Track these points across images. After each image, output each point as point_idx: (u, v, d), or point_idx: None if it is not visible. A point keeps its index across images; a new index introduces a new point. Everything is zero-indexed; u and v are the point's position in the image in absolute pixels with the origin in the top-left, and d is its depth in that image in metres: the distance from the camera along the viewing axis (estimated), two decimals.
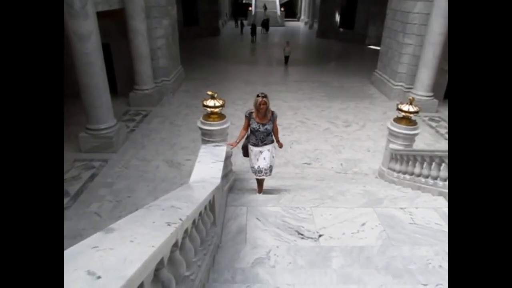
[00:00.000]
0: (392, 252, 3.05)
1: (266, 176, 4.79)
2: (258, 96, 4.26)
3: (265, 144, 4.55)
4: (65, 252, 0.98)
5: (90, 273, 0.83)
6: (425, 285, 2.43)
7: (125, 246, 1.05)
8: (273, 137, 4.68)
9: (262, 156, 4.58)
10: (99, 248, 1.00)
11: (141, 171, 7.26)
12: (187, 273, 1.94)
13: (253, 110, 4.37)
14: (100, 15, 7.41)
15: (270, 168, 4.74)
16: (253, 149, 4.60)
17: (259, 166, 4.63)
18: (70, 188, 6.62)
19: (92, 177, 7.04)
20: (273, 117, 4.46)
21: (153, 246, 1.08)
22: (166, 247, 1.25)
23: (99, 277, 0.83)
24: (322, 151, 8.25)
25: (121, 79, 11.27)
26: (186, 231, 1.85)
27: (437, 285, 2.40)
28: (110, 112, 8.03)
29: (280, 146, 4.81)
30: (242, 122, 4.61)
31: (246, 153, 4.83)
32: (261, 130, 4.40)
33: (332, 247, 3.15)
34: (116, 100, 9.78)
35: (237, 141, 4.64)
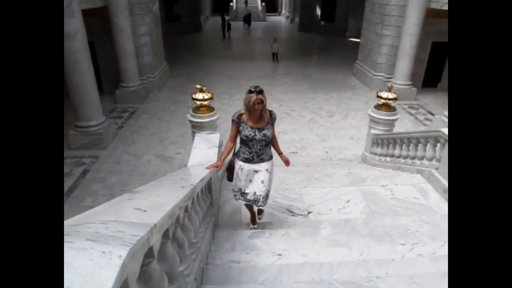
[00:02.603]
0: (375, 222, 3.37)
1: (263, 205, 3.32)
2: (251, 91, 2.95)
3: (262, 160, 3.19)
4: (107, 202, 1.22)
5: (137, 208, 1.07)
6: (403, 244, 2.74)
7: (155, 198, 1.28)
8: (271, 150, 3.36)
9: (259, 178, 3.20)
10: (134, 199, 1.23)
11: (133, 165, 7.41)
12: (194, 240, 2.19)
13: (242, 112, 3.10)
14: (84, 13, 7.48)
15: (267, 192, 3.31)
16: (244, 167, 3.20)
17: (255, 193, 3.20)
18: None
19: (84, 173, 7.15)
20: (271, 119, 3.16)
21: (177, 197, 1.31)
22: (184, 203, 1.49)
23: (145, 211, 1.06)
24: (307, 140, 8.56)
25: (106, 77, 11.29)
26: (192, 201, 2.10)
27: (413, 244, 2.72)
28: (99, 109, 8.13)
29: (286, 161, 3.39)
30: (229, 115, 3.27)
31: (231, 175, 3.39)
32: (258, 137, 3.07)
33: (321, 221, 3.45)
34: (102, 98, 9.79)
35: (223, 157, 3.28)
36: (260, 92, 2.96)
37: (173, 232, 1.52)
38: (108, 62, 10.87)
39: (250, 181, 3.22)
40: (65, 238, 0.72)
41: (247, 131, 3.09)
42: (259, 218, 3.67)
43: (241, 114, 3.12)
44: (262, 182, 3.20)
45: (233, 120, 3.16)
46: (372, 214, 3.64)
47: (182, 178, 1.96)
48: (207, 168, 3.11)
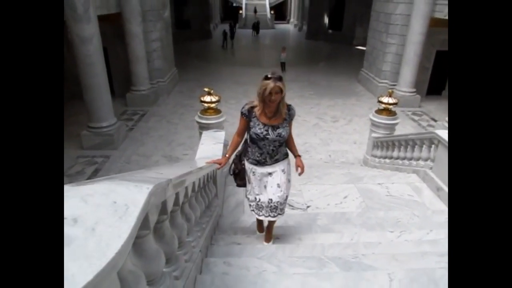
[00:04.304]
0: (368, 215, 3.59)
1: (281, 214, 2.82)
2: (267, 78, 2.41)
3: (277, 161, 2.69)
4: (132, 172, 1.49)
5: (156, 173, 1.33)
6: (391, 232, 2.96)
7: (169, 170, 1.54)
8: (286, 148, 2.80)
9: (274, 181, 2.71)
10: (153, 170, 1.49)
11: (142, 165, 7.70)
12: (200, 221, 2.45)
13: (255, 104, 2.57)
14: (98, 19, 7.85)
15: (286, 199, 2.82)
16: (256, 170, 2.71)
17: (270, 200, 2.71)
18: (75, 182, 7.03)
19: (96, 171, 7.48)
20: (289, 115, 2.63)
21: (190, 167, 1.57)
22: (192, 177, 1.75)
23: (161, 173, 1.32)
24: (311, 144, 8.80)
25: (118, 80, 11.68)
26: (199, 186, 2.36)
27: (401, 232, 2.94)
28: (111, 111, 8.48)
29: (300, 166, 2.78)
30: (236, 119, 2.91)
31: (242, 179, 2.91)
32: (271, 137, 2.56)
33: (318, 213, 3.68)
34: (113, 101, 10.14)
35: (228, 155, 2.86)
36: (279, 79, 2.42)
37: (182, 204, 1.78)
38: (120, 66, 11.28)
39: (265, 187, 2.71)
40: (107, 179, 0.98)
41: (258, 129, 2.55)
42: (272, 238, 2.95)
43: (252, 107, 2.58)
44: (278, 186, 2.69)
45: (242, 113, 2.62)
46: (367, 209, 3.86)
47: (189, 164, 2.22)
48: (207, 162, 2.75)
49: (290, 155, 2.84)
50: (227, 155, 2.87)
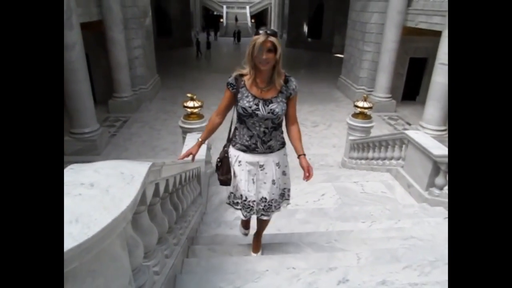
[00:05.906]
0: (344, 210, 3.84)
1: (275, 212, 2.32)
2: (258, 33, 1.94)
3: (270, 150, 2.16)
4: (135, 161, 1.68)
5: (152, 159, 1.50)
6: (363, 222, 3.22)
7: (162, 157, 1.72)
8: (283, 134, 2.26)
9: (268, 177, 2.19)
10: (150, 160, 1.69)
11: None
12: (186, 213, 2.63)
13: (244, 72, 2.06)
14: (80, 27, 7.93)
15: (283, 193, 2.34)
16: (242, 159, 2.15)
17: (264, 198, 2.21)
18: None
19: None
20: (288, 88, 2.09)
21: (176, 160, 1.76)
22: (181, 169, 1.94)
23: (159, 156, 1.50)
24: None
25: (99, 87, 11.68)
26: (185, 180, 2.55)
27: (372, 222, 3.20)
28: (93, 117, 8.54)
29: (307, 168, 2.19)
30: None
31: (224, 174, 2.24)
32: (261, 114, 2.03)
33: (297, 209, 3.90)
34: (95, 107, 10.18)
35: (201, 139, 2.30)
36: (273, 34, 1.92)
37: (170, 193, 1.97)
38: (102, 73, 11.31)
39: (253, 182, 2.13)
40: (115, 160, 1.18)
41: (246, 102, 2.01)
42: (260, 247, 2.45)
43: (241, 75, 2.06)
44: (274, 182, 2.17)
45: (228, 84, 2.08)
46: (343, 204, 4.12)
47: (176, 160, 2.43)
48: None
49: (288, 146, 2.30)
50: (200, 139, 2.28)
